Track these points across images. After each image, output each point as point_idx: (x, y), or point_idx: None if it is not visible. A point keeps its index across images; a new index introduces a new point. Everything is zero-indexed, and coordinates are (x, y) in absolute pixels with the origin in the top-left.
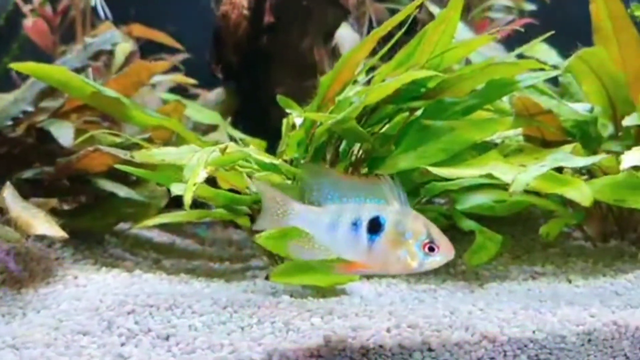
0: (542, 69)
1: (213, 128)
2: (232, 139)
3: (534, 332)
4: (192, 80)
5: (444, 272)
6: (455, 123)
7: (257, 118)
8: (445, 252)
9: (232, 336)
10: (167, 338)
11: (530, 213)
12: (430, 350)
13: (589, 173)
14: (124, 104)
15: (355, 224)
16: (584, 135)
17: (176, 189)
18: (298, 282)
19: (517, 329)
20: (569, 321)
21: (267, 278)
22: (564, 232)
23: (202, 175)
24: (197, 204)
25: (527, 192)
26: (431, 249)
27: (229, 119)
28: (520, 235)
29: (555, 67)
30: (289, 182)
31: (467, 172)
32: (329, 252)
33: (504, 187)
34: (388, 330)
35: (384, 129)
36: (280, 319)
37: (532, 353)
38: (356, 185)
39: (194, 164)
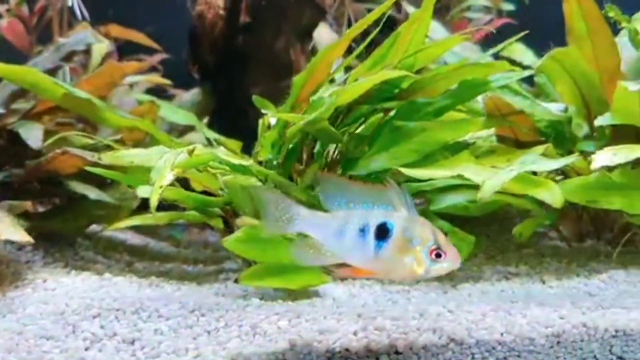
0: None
1: (190, 129)
2: (207, 139)
3: (502, 334)
4: (166, 81)
5: None
6: (427, 124)
7: (233, 118)
8: (452, 258)
9: (198, 340)
10: (132, 342)
11: (506, 213)
12: (397, 353)
13: (563, 173)
14: (96, 105)
15: (362, 230)
16: (558, 135)
17: (143, 192)
18: (268, 284)
19: (485, 331)
20: (538, 323)
21: (236, 281)
22: (540, 232)
23: (169, 177)
24: (170, 206)
25: (501, 191)
26: (438, 256)
27: (206, 119)
28: (495, 235)
29: (529, 67)
30: (260, 183)
31: (439, 173)
32: (335, 258)
33: (478, 187)
34: (355, 334)
35: (359, 130)
36: (248, 323)
37: (500, 356)
38: (364, 191)
39: (161, 166)
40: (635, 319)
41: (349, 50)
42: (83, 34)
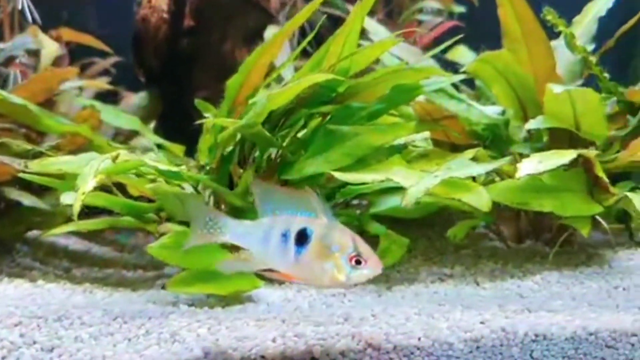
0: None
1: (136, 134)
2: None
3: (419, 339)
4: (106, 85)
5: None
6: (359, 128)
7: (180, 122)
8: (372, 265)
9: (117, 347)
10: (51, 350)
11: (449, 215)
12: (313, 359)
13: (499, 175)
14: (32, 111)
15: (285, 236)
16: (496, 138)
17: (66, 199)
18: (197, 290)
19: (404, 335)
20: (459, 327)
21: (163, 288)
22: (480, 234)
23: (91, 184)
24: (110, 211)
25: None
26: (358, 262)
27: (153, 123)
28: (436, 237)
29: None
30: (192, 189)
31: (369, 177)
32: (261, 264)
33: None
34: (274, 340)
35: (300, 135)
36: (168, 330)
37: None
38: (290, 198)
39: (85, 173)
40: (557, 323)
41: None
42: (21, 39)
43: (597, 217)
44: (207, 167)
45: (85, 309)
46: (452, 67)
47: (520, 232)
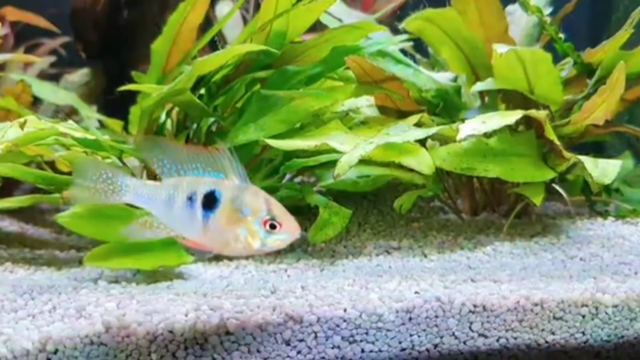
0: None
1: (77, 112)
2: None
3: (345, 310)
4: (36, 59)
5: (300, 250)
6: (294, 93)
7: (123, 97)
8: (289, 230)
9: (19, 324)
10: None
11: (405, 189)
12: (228, 333)
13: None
14: None
15: (191, 199)
16: (447, 105)
17: None
18: (117, 265)
19: (329, 307)
20: (390, 298)
21: (80, 262)
22: (435, 207)
23: None
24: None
25: (389, 164)
26: (272, 227)
27: (96, 99)
28: (387, 211)
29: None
30: (113, 159)
31: (305, 144)
32: (166, 230)
33: (367, 161)
34: (185, 314)
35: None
36: (76, 305)
37: (345, 334)
38: (196, 157)
39: None
40: (498, 293)
41: None
42: None
43: (558, 187)
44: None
45: None
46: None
47: (476, 204)
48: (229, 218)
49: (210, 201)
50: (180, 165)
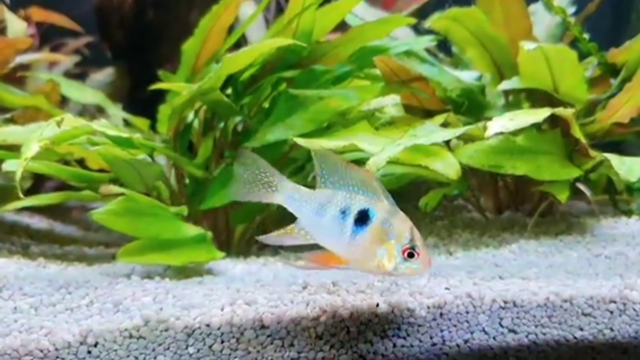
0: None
1: (103, 111)
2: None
3: (377, 305)
4: (65, 58)
5: None
6: (322, 92)
7: (150, 97)
8: (423, 262)
9: (58, 318)
10: None
11: (428, 187)
12: (263, 327)
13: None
14: None
15: (344, 213)
16: (472, 105)
17: (8, 166)
18: (149, 260)
19: (361, 302)
20: (421, 294)
21: (114, 258)
22: (459, 205)
23: (34, 148)
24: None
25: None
26: (410, 255)
27: (122, 98)
28: (411, 209)
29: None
30: (145, 157)
31: (333, 144)
32: (308, 238)
33: (391, 160)
34: (222, 309)
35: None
36: (112, 300)
37: (378, 329)
38: (351, 174)
39: (29, 139)
40: (528, 289)
41: None
42: None
43: (582, 186)
44: (166, 137)
45: (27, 279)
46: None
47: (500, 203)
48: (375, 237)
49: (362, 218)
50: (338, 179)
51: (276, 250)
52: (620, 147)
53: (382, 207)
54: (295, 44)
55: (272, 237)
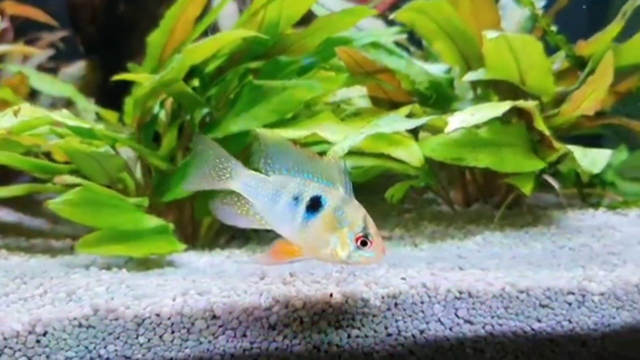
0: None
1: (73, 104)
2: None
3: (331, 295)
4: (36, 50)
5: None
6: (286, 83)
7: (121, 90)
8: (377, 250)
9: (10, 307)
10: None
11: (398, 180)
12: (215, 317)
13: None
14: None
15: (296, 199)
16: (440, 98)
17: None
18: (109, 251)
19: (315, 292)
20: (377, 284)
21: (72, 249)
22: (428, 199)
23: None
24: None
25: (382, 156)
26: (364, 244)
27: (94, 92)
28: (379, 202)
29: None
30: (107, 149)
31: (295, 133)
32: (263, 223)
33: (359, 153)
34: (173, 299)
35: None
36: (67, 290)
37: (332, 319)
38: (306, 160)
39: None
40: (484, 280)
41: None
42: None
43: (549, 179)
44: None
45: None
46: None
47: (468, 196)
48: (327, 225)
49: (314, 205)
50: (291, 165)
51: (243, 243)
52: (597, 143)
53: (335, 195)
54: (258, 36)
55: (226, 216)
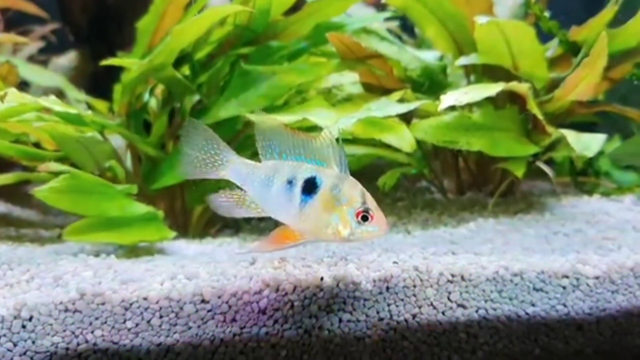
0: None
1: (64, 94)
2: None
3: (322, 278)
4: (25, 40)
5: None
6: (276, 68)
7: (112, 80)
8: (378, 224)
9: None
10: None
11: (390, 167)
12: (204, 301)
13: None
14: None
15: (290, 182)
16: (433, 84)
17: None
18: (97, 239)
19: (306, 276)
20: (369, 267)
21: (59, 237)
22: (422, 187)
23: None
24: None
25: (374, 143)
26: (364, 219)
27: (85, 82)
28: (372, 190)
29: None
30: (95, 134)
31: (286, 118)
32: (260, 211)
33: (352, 140)
34: (161, 283)
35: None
36: (53, 275)
37: (322, 303)
38: (299, 142)
39: None
40: (476, 263)
41: None
42: None
43: (543, 166)
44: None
45: None
46: None
47: (462, 184)
48: (325, 205)
49: (309, 187)
50: (282, 148)
51: (234, 233)
52: (593, 131)
53: (329, 174)
54: (248, 22)
55: (222, 207)
